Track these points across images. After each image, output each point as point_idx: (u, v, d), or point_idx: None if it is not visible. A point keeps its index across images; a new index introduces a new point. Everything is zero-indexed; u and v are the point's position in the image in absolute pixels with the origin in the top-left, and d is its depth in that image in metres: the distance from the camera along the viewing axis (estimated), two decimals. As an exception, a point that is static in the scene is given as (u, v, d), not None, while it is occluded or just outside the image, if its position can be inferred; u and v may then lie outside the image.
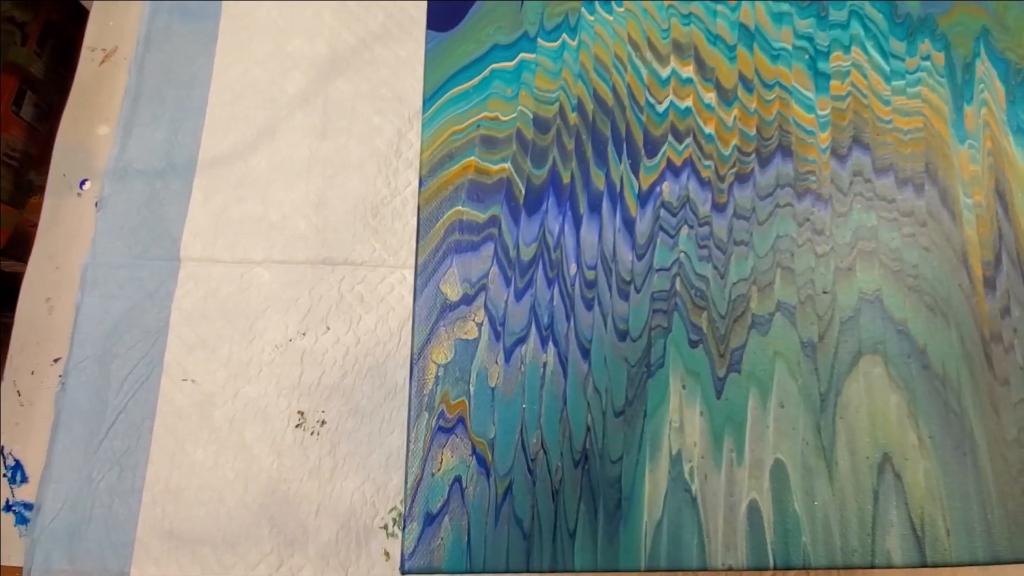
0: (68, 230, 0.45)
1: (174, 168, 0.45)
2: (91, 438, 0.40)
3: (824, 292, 0.33)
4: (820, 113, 0.36)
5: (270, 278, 0.43)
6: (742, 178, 0.35)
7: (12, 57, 0.51)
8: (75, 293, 0.43)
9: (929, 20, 0.38)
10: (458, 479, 0.30)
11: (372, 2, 0.50)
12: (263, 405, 0.41)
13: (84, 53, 0.50)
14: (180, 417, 0.41)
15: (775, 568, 0.29)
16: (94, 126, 0.48)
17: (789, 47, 0.37)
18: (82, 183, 0.46)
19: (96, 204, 0.45)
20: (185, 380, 0.41)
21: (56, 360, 0.42)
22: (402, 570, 0.29)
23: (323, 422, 0.41)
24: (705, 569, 0.29)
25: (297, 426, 0.41)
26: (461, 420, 0.31)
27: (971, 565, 0.30)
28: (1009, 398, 0.32)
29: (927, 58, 0.37)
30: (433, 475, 0.30)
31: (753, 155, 0.35)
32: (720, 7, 0.38)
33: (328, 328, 0.42)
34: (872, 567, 0.29)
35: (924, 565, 0.30)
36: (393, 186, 0.45)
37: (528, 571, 0.29)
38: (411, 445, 0.30)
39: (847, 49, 0.37)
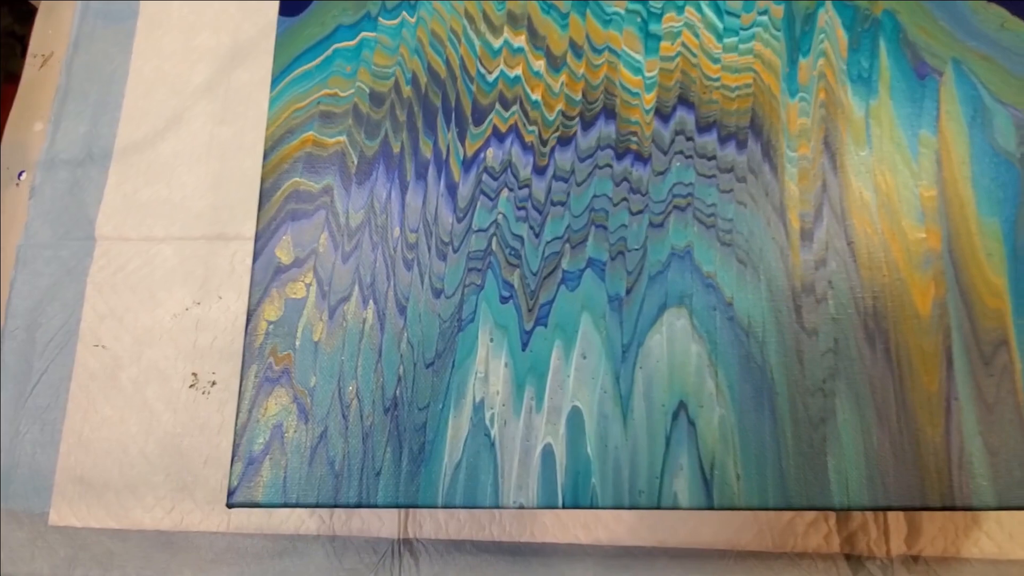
0: (8, 217, 0.51)
1: (93, 157, 0.50)
2: (19, 397, 0.46)
3: (636, 248, 0.34)
4: (647, 75, 0.37)
5: (171, 253, 0.47)
6: (564, 141, 0.36)
7: (12, 68, 0.57)
8: (11, 271, 0.49)
9: (770, -26, 0.38)
10: (280, 424, 0.33)
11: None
12: (163, 367, 0.45)
13: (28, 59, 0.56)
14: (92, 378, 0.46)
15: (564, 507, 0.31)
16: (32, 123, 0.53)
17: (622, 11, 0.38)
18: (20, 174, 0.51)
19: (30, 192, 0.50)
20: (96, 345, 0.46)
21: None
22: (227, 504, 0.32)
23: (214, 383, 0.45)
24: (498, 506, 0.31)
25: (191, 386, 0.45)
26: (286, 371, 0.34)
27: (761, 510, 0.31)
28: (816, 348, 0.32)
29: (764, 12, 0.37)
30: (258, 420, 0.33)
31: (577, 119, 0.36)
32: (556, -24, 0.39)
33: (220, 297, 0.46)
34: (659, 508, 0.31)
35: (711, 507, 0.30)
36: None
37: (336, 505, 0.32)
38: (242, 394, 0.34)
39: (680, 10, 0.37)
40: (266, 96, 0.37)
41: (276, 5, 0.40)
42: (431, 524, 0.42)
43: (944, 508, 0.30)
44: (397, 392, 0.33)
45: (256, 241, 0.36)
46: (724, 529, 0.40)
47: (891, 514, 0.39)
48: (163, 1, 0.53)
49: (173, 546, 0.43)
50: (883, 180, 0.34)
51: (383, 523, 0.42)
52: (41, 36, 0.56)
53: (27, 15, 0.58)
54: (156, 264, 0.47)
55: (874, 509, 0.30)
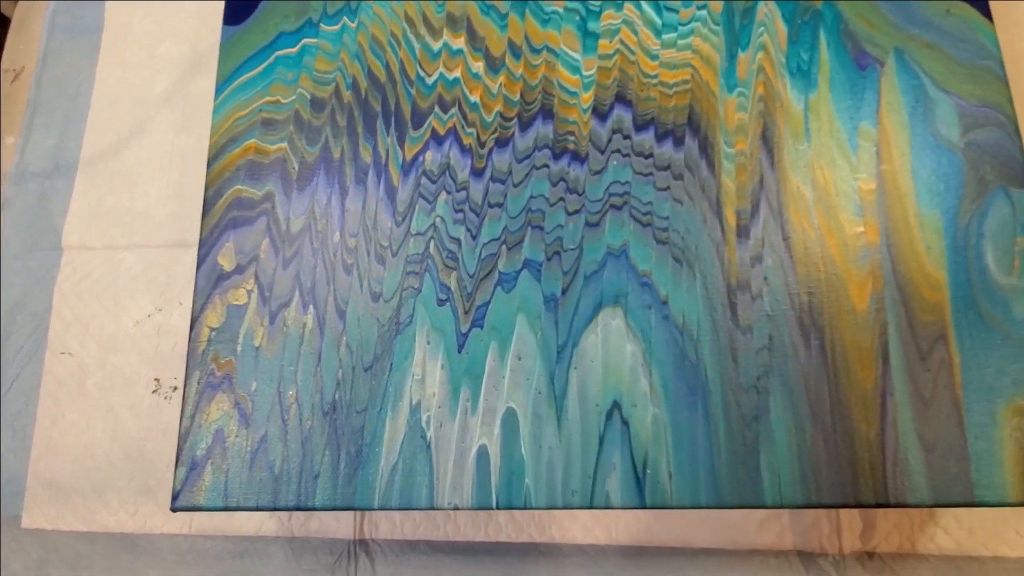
0: (-18, 229, 0.52)
1: (60, 169, 0.51)
2: (-9, 404, 0.47)
3: (572, 248, 0.34)
4: (585, 74, 0.36)
5: (134, 261, 0.48)
6: (502, 143, 0.36)
7: None
8: (-15, 282, 0.50)
9: (710, -32, 0.37)
10: (221, 429, 0.33)
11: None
12: (127, 373, 0.46)
13: (1, 74, 0.57)
14: (60, 385, 0.46)
15: (498, 507, 0.31)
16: (6, 137, 0.54)
17: (561, 10, 0.38)
18: (-8, 187, 0.53)
19: (1, 206, 0.51)
20: (63, 353, 0.47)
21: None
22: (171, 508, 0.33)
23: (175, 388, 0.45)
24: (432, 508, 0.31)
25: (154, 392, 0.45)
26: (228, 377, 0.34)
27: (693, 508, 0.30)
28: (751, 345, 0.32)
29: (703, 7, 0.37)
30: (201, 426, 0.34)
31: (515, 120, 0.36)
32: (495, -24, 0.38)
33: (181, 303, 0.46)
34: (591, 507, 0.31)
35: (643, 506, 0.30)
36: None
37: (275, 508, 0.32)
38: (185, 399, 0.34)
39: (619, 7, 0.37)
40: (223, 104, 0.38)
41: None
42: (387, 524, 0.42)
43: (878, 505, 0.29)
44: (336, 396, 0.33)
45: (199, 249, 0.36)
46: (676, 526, 0.40)
47: (844, 510, 0.39)
48: (127, 12, 0.53)
49: (138, 548, 0.43)
50: (821, 174, 0.33)
51: (340, 524, 0.42)
52: (13, 51, 0.57)
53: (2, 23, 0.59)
54: (120, 272, 0.48)
55: (806, 507, 0.30)
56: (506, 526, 0.42)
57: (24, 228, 0.50)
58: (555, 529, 0.41)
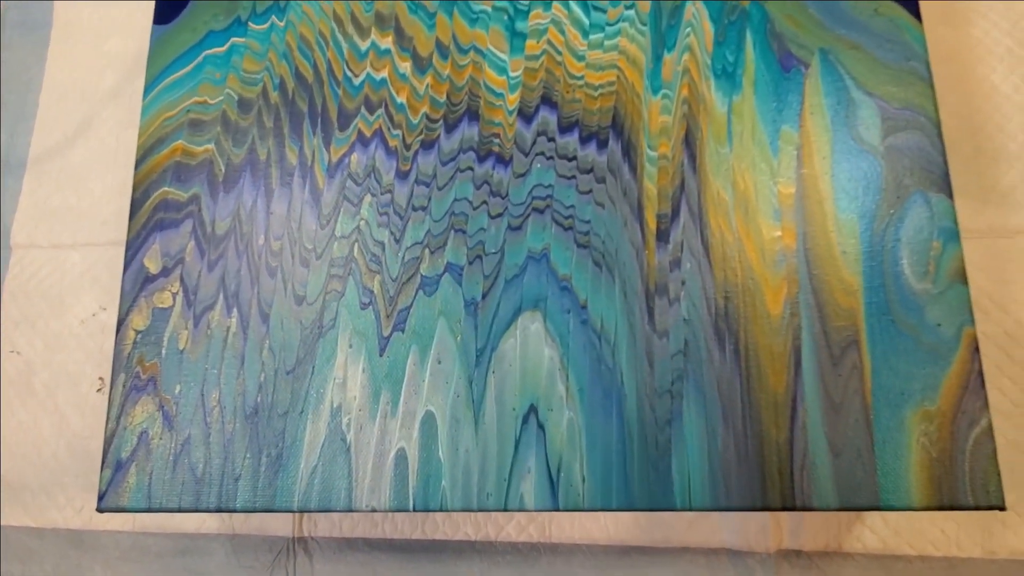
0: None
1: (9, 166, 0.51)
2: (-59, 403, 0.47)
3: (493, 252, 0.34)
4: (512, 75, 0.36)
5: (79, 259, 0.48)
6: (427, 145, 0.36)
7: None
8: (-66, 281, 0.50)
9: (641, -34, 0.37)
10: (146, 431, 0.34)
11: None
12: (72, 372, 0.46)
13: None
14: (9, 384, 0.47)
15: (414, 510, 0.32)
16: (-43, 134, 0.54)
17: (489, 9, 0.37)
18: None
19: (-49, 202, 0.51)
20: (12, 351, 0.47)
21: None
22: (97, 508, 0.33)
23: (120, 386, 0.46)
24: (351, 510, 0.32)
25: (98, 390, 0.46)
26: (153, 379, 0.34)
27: (604, 511, 0.31)
28: (667, 350, 0.32)
29: (631, 7, 0.36)
30: (126, 428, 0.34)
31: (440, 121, 0.36)
32: (425, -26, 0.38)
33: (125, 303, 0.47)
34: (505, 510, 0.31)
35: (557, 509, 0.31)
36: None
37: (196, 510, 0.33)
38: (111, 401, 0.34)
39: (548, 6, 0.37)
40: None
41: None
42: (325, 523, 0.43)
43: (784, 508, 0.30)
44: (258, 399, 0.34)
45: (126, 251, 0.36)
46: (608, 524, 0.41)
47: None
48: (75, 8, 0.53)
49: (84, 544, 0.44)
50: (742, 178, 0.33)
51: (280, 522, 0.43)
52: (-36, 46, 0.56)
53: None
54: (65, 270, 0.48)
55: (714, 510, 0.30)
56: (443, 524, 0.42)
57: (-28, 227, 0.50)
58: (490, 527, 0.42)
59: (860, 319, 0.31)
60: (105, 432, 0.34)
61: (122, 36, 0.52)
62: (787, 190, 0.33)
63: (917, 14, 0.34)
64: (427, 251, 0.34)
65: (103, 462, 0.34)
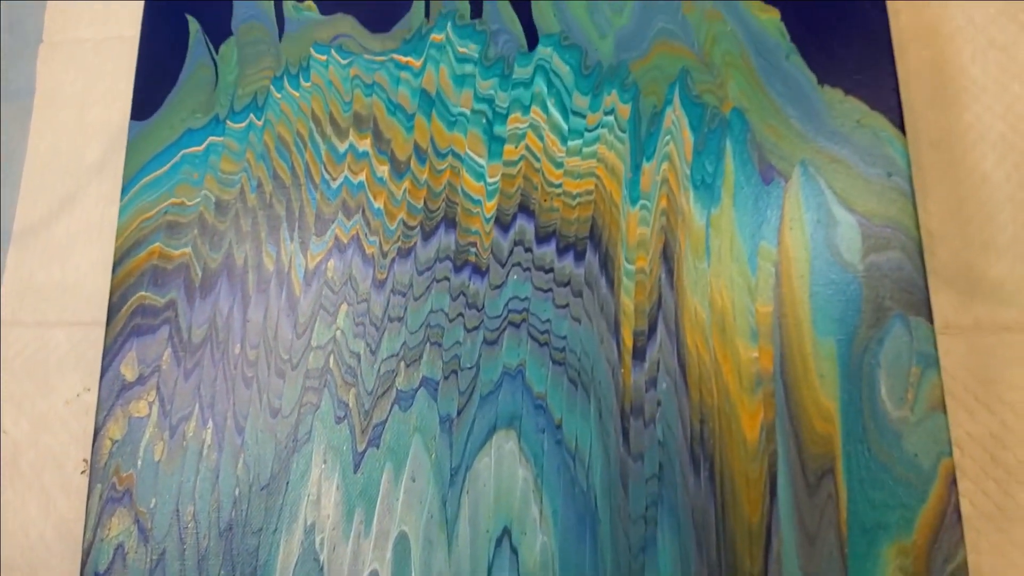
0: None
1: (-8, 239, 0.51)
2: (-73, 481, 0.48)
3: (469, 367, 0.34)
4: (489, 181, 0.36)
5: (64, 338, 0.48)
6: (404, 253, 0.35)
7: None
8: (-80, 354, 0.50)
9: (621, 68, 0.36)
10: (121, 545, 0.34)
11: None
12: (57, 453, 0.46)
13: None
14: (-5, 463, 0.47)
15: (386, 634, 0.32)
16: (-59, 200, 0.54)
17: (468, 111, 0.37)
18: (-72, 254, 0.53)
19: (-63, 274, 0.52)
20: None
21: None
22: (74, 622, 0.34)
23: (104, 468, 0.46)
24: (324, 632, 0.32)
25: (83, 472, 0.46)
26: (128, 491, 0.34)
27: (577, 638, 0.31)
28: (641, 474, 0.32)
29: (611, 112, 0.36)
30: (102, 540, 0.34)
31: (417, 228, 0.36)
32: (404, 73, 0.37)
33: (109, 384, 0.47)
34: (477, 636, 0.31)
35: (529, 636, 0.31)
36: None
37: (171, 628, 0.33)
38: (88, 512, 0.35)
39: (527, 109, 0.36)
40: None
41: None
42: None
43: (757, 643, 0.30)
44: (232, 514, 0.34)
45: (103, 358, 0.36)
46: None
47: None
48: (58, 75, 0.53)
49: (68, 627, 0.45)
50: (719, 296, 0.33)
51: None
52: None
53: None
54: (51, 349, 0.48)
55: (687, 643, 0.30)
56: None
57: (-42, 301, 0.51)
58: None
59: (837, 446, 0.31)
60: (83, 543, 0.34)
61: (106, 106, 0.52)
62: (765, 309, 0.32)
63: (901, 126, 0.33)
64: (403, 364, 0.34)
65: (80, 574, 0.34)
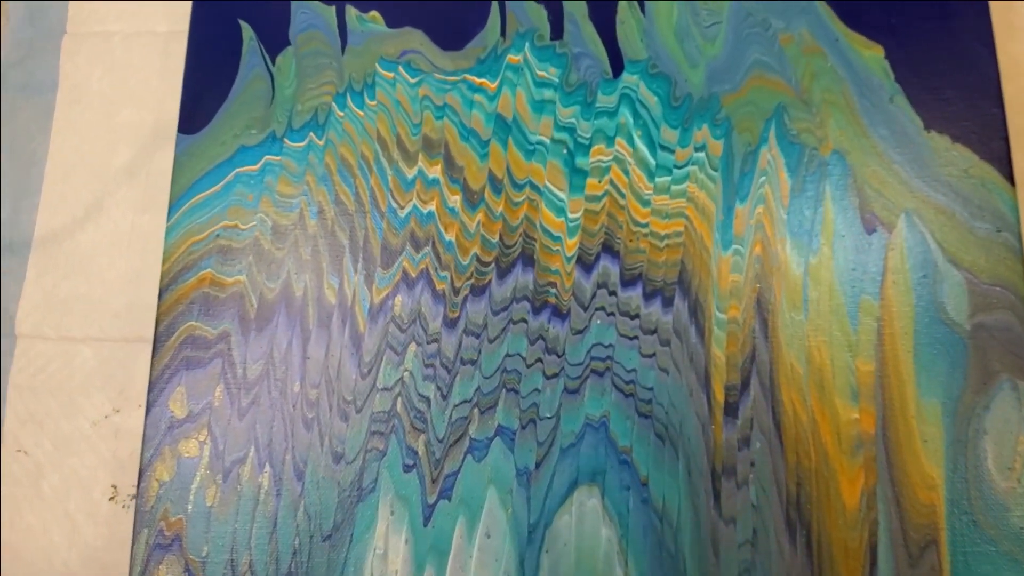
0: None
1: (12, 247, 0.48)
2: (-59, 502, 0.45)
3: (548, 416, 0.32)
4: (571, 217, 0.34)
5: (90, 355, 0.45)
6: (477, 291, 0.33)
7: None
8: (-68, 365, 0.47)
9: (712, 101, 0.34)
10: (170, 595, 0.32)
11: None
12: (83, 477, 0.44)
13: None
14: (17, 485, 0.44)
15: None
16: (-45, 200, 0.51)
17: (548, 140, 0.34)
18: (-59, 258, 0.50)
19: (-50, 279, 0.48)
20: (19, 451, 0.45)
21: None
22: (117, 677, 0.31)
23: (134, 496, 0.43)
24: None
25: (111, 499, 0.44)
26: (178, 538, 0.32)
27: None
28: (733, 539, 0.30)
29: (702, 148, 0.34)
30: (149, 590, 0.32)
31: (492, 265, 0.33)
32: (478, 96, 0.35)
33: (140, 406, 0.44)
34: None
35: None
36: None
37: None
38: (133, 558, 0.32)
39: (611, 141, 0.34)
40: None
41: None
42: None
43: None
44: (291, 567, 0.32)
45: (149, 392, 0.34)
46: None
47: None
48: (84, 70, 0.49)
49: (94, 663, 0.42)
50: (817, 351, 0.31)
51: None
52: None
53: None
54: (75, 367, 0.45)
55: None
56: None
57: (-26, 310, 0.48)
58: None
59: (941, 517, 0.29)
60: (126, 592, 0.32)
61: (136, 107, 0.49)
62: (866, 367, 0.31)
63: (1010, 177, 0.32)
64: (477, 411, 0.32)
65: (124, 626, 0.32)
